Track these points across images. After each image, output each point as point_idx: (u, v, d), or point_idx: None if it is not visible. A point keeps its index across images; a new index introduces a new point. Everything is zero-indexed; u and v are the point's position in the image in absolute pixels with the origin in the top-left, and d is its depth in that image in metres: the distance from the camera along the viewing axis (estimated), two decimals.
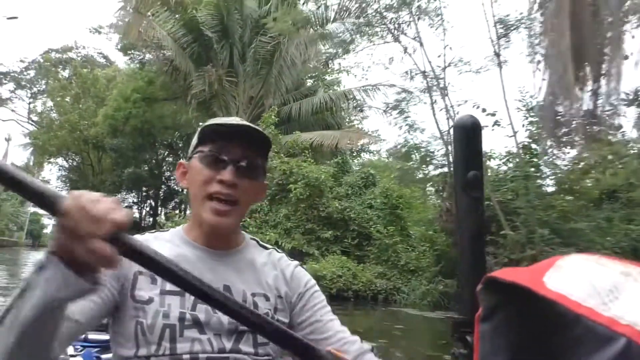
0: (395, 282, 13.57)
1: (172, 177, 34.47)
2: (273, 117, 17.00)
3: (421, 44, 11.77)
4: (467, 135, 0.83)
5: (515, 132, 11.45)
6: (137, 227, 32.26)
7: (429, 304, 12.29)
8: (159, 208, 33.14)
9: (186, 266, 0.98)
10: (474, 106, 11.33)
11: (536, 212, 10.82)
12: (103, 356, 2.77)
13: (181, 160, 1.22)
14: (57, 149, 28.70)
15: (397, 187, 14.93)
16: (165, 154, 31.51)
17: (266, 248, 1.28)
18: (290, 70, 19.55)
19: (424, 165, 12.02)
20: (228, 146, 1.12)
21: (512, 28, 12.71)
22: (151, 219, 32.71)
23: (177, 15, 19.35)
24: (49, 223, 70.18)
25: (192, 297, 1.06)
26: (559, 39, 6.61)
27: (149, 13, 19.66)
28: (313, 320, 1.21)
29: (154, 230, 1.25)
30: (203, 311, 1.08)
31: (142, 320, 1.06)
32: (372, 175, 17.33)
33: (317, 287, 1.27)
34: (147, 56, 23.36)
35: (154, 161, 30.39)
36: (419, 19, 12.54)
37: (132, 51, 24.29)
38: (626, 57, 7.08)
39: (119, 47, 25.50)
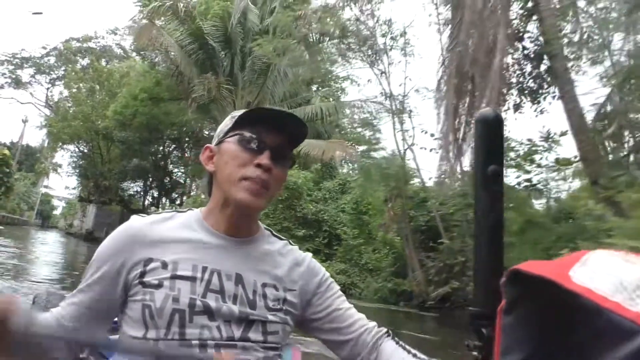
0: (354, 278, 15.35)
1: (176, 170, 36.72)
2: None
3: (386, 75, 13.55)
4: (489, 129, 0.83)
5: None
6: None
7: (379, 299, 14.06)
8: (162, 199, 35.14)
9: (202, 252, 1.14)
10: (422, 131, 13.06)
11: (471, 226, 12.55)
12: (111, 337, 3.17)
13: (208, 145, 1.23)
14: (70, 137, 30.85)
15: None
16: (172, 149, 33.48)
17: (280, 239, 1.29)
18: (284, 82, 21.37)
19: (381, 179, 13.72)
20: (267, 131, 1.14)
21: None
22: (153, 209, 34.71)
23: (185, 25, 21.22)
24: (59, 205, 72.72)
25: (204, 284, 1.10)
26: (448, 93, 8.31)
27: (161, 20, 21.65)
28: (333, 309, 1.25)
29: (172, 210, 1.24)
30: (213, 299, 1.09)
31: (150, 303, 1.07)
32: (348, 182, 19.18)
33: (331, 278, 1.30)
34: (158, 57, 25.37)
35: (160, 154, 32.40)
36: (391, 49, 14.35)
37: (144, 52, 26.29)
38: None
39: (132, 47, 27.62)
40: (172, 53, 21.35)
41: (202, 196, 19.58)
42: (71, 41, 43.05)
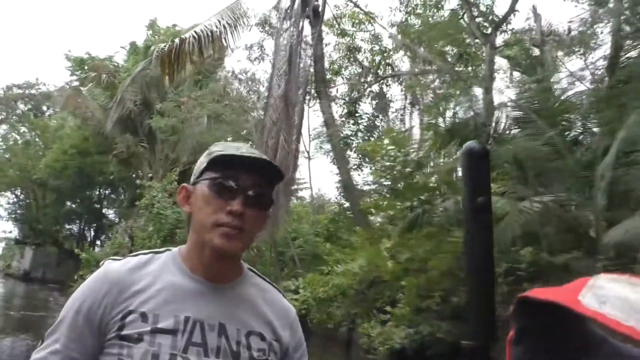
0: None
1: (110, 212, 39.32)
2: (174, 176, 22.34)
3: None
4: (475, 162, 0.83)
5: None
6: (74, 257, 36.54)
7: None
8: (98, 240, 37.58)
9: (183, 300, 1.10)
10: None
11: None
12: None
13: (184, 184, 1.21)
14: (7, 185, 33.47)
15: None
16: (107, 193, 36.27)
17: (265, 280, 1.27)
18: (195, 138, 25.07)
19: None
20: (238, 175, 1.12)
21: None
22: (90, 249, 37.13)
23: (108, 91, 24.78)
24: None
25: (185, 338, 1.06)
26: None
27: (87, 86, 25.21)
28: None
29: (148, 251, 1.21)
30: (195, 354, 1.05)
31: (126, 359, 1.03)
32: None
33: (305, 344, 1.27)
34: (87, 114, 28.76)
35: (94, 198, 35.20)
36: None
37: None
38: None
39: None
40: (97, 115, 24.76)
41: (120, 239, 22.68)
42: (12, 88, 45.23)
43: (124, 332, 1.05)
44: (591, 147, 8.86)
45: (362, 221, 12.05)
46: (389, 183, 9.44)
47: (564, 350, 0.62)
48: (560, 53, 16.06)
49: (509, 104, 10.57)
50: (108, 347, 1.06)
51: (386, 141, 9.02)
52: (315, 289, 9.81)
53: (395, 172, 8.73)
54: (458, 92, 11.90)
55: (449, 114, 12.78)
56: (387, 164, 8.76)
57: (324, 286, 9.64)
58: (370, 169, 16.75)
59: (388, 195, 9.57)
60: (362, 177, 16.32)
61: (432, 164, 12.13)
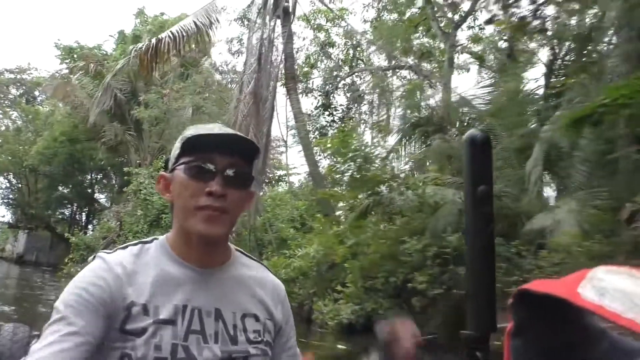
0: None
1: (102, 197, 40.18)
2: (160, 163, 23.18)
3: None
4: (477, 150, 0.81)
5: None
6: (67, 241, 37.36)
7: None
8: (90, 225, 38.42)
9: (178, 289, 1.10)
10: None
11: None
12: None
13: (162, 172, 1.19)
14: None
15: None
16: (98, 178, 37.04)
17: (252, 259, 1.28)
18: (179, 127, 25.84)
19: None
20: (213, 155, 1.09)
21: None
22: (82, 233, 38.01)
23: (96, 80, 25.45)
24: None
25: (185, 326, 1.07)
26: None
27: (76, 75, 25.87)
28: (291, 344, 1.27)
29: (136, 242, 1.18)
30: (195, 341, 1.07)
31: (129, 352, 1.03)
32: None
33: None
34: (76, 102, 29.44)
35: (85, 183, 35.99)
36: None
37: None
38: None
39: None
40: (85, 104, 25.45)
41: (110, 223, 23.58)
42: (5, 73, 45.49)
43: (127, 326, 1.04)
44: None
45: (328, 209, 13.01)
46: (341, 175, 10.38)
47: (563, 343, 0.62)
48: (533, 45, 16.77)
49: (459, 100, 11.43)
50: (110, 341, 1.04)
51: (337, 140, 9.97)
52: (278, 270, 10.83)
53: (347, 167, 9.69)
54: (417, 90, 12.76)
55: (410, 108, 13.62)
56: (337, 158, 9.73)
57: (286, 268, 10.70)
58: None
59: (347, 187, 10.51)
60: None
61: (395, 155, 13.04)
